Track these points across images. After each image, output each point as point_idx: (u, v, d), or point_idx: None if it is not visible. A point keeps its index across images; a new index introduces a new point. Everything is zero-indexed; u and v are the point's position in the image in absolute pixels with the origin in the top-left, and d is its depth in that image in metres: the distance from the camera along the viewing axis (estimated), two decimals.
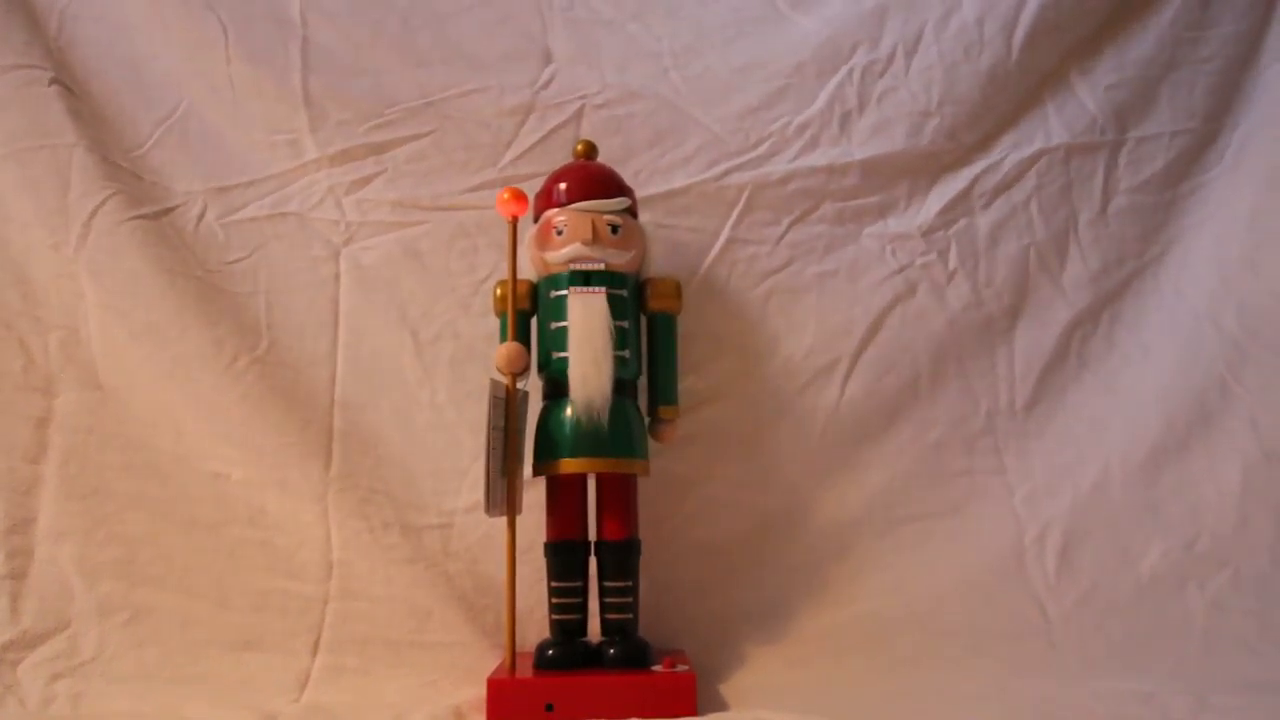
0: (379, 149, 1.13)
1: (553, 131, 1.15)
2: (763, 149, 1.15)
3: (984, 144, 1.17)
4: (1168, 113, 1.18)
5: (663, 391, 1.01)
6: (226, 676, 0.99)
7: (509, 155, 1.14)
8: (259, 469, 1.06)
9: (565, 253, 0.96)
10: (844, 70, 1.16)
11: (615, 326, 0.94)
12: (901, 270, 1.14)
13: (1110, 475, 1.11)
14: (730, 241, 1.14)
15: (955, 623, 1.06)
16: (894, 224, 1.15)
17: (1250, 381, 1.12)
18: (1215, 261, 1.15)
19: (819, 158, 1.15)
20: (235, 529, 1.05)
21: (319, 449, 1.07)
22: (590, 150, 1.04)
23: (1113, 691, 0.95)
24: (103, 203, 1.08)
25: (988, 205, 1.16)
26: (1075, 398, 1.14)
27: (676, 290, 1.01)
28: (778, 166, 1.15)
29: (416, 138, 1.14)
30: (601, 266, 0.96)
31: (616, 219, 0.98)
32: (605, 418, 0.93)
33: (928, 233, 1.15)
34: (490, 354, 1.01)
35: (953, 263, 1.15)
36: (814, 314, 1.13)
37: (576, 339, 0.94)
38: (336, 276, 1.12)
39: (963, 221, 1.16)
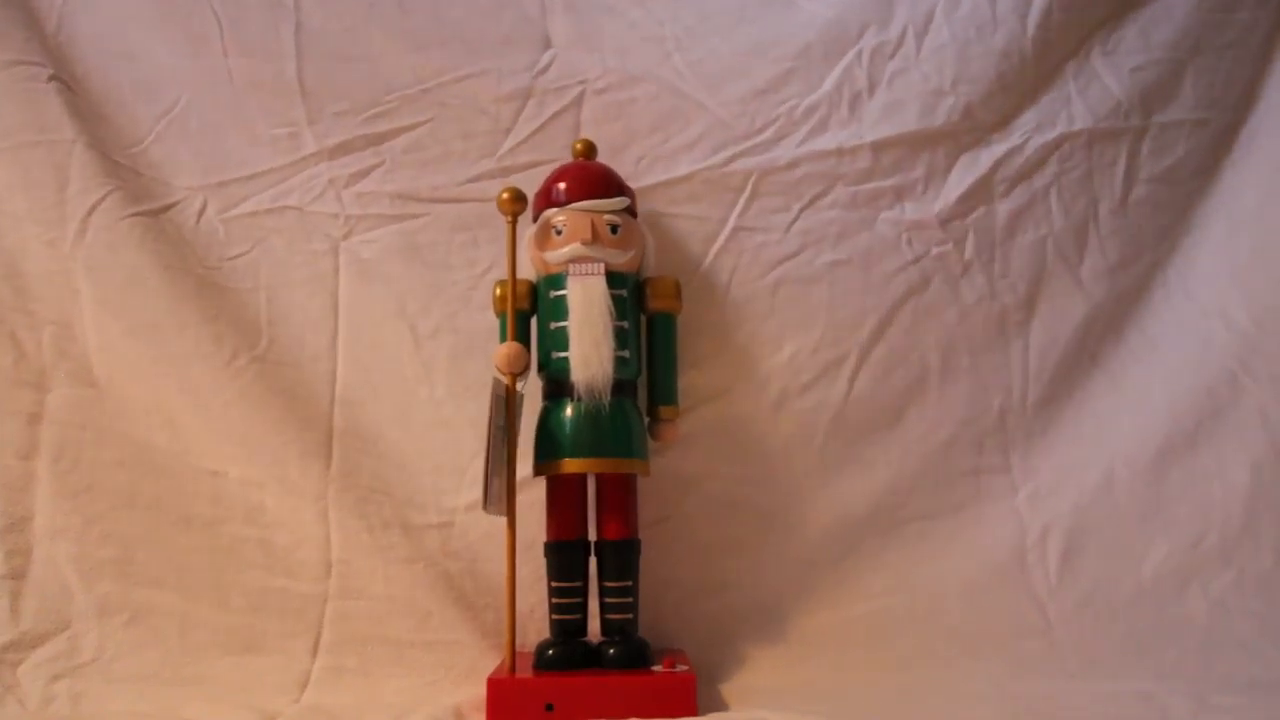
0: (377, 140, 1.12)
1: (552, 118, 1.13)
2: (769, 133, 1.13)
3: (1003, 123, 1.14)
4: (1191, 98, 1.15)
5: (662, 391, 1.00)
6: (226, 677, 0.99)
7: (508, 143, 1.13)
8: (257, 467, 1.05)
9: (564, 252, 0.96)
10: (852, 52, 1.14)
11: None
12: (917, 261, 1.12)
13: (1115, 474, 1.10)
14: (737, 230, 1.12)
15: (956, 623, 1.06)
16: (911, 209, 1.12)
17: (1261, 375, 1.11)
18: (1225, 256, 1.14)
19: (828, 141, 1.12)
20: (233, 527, 1.05)
21: (318, 447, 1.07)
22: (589, 149, 1.03)
23: (1113, 692, 0.95)
24: (101, 199, 1.07)
25: (1008, 193, 1.13)
26: (1083, 395, 1.13)
27: (676, 290, 1.01)
28: (785, 151, 1.12)
29: (414, 127, 1.12)
30: (601, 266, 0.95)
31: (616, 219, 0.97)
32: (607, 398, 0.93)
33: (946, 221, 1.12)
34: (489, 348, 1.00)
35: (969, 253, 1.13)
36: (824, 306, 1.11)
37: (577, 321, 0.93)
38: (336, 270, 1.11)
39: (981, 209, 1.13)
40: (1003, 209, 1.13)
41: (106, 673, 0.98)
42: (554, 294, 0.97)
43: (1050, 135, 1.14)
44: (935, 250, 1.12)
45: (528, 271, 1.00)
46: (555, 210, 0.98)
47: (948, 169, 1.14)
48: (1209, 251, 1.14)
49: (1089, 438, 1.12)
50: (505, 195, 0.94)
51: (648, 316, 1.01)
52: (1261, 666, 1.00)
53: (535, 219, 1.00)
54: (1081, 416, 1.12)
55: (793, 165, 1.12)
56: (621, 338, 0.95)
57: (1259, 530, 1.08)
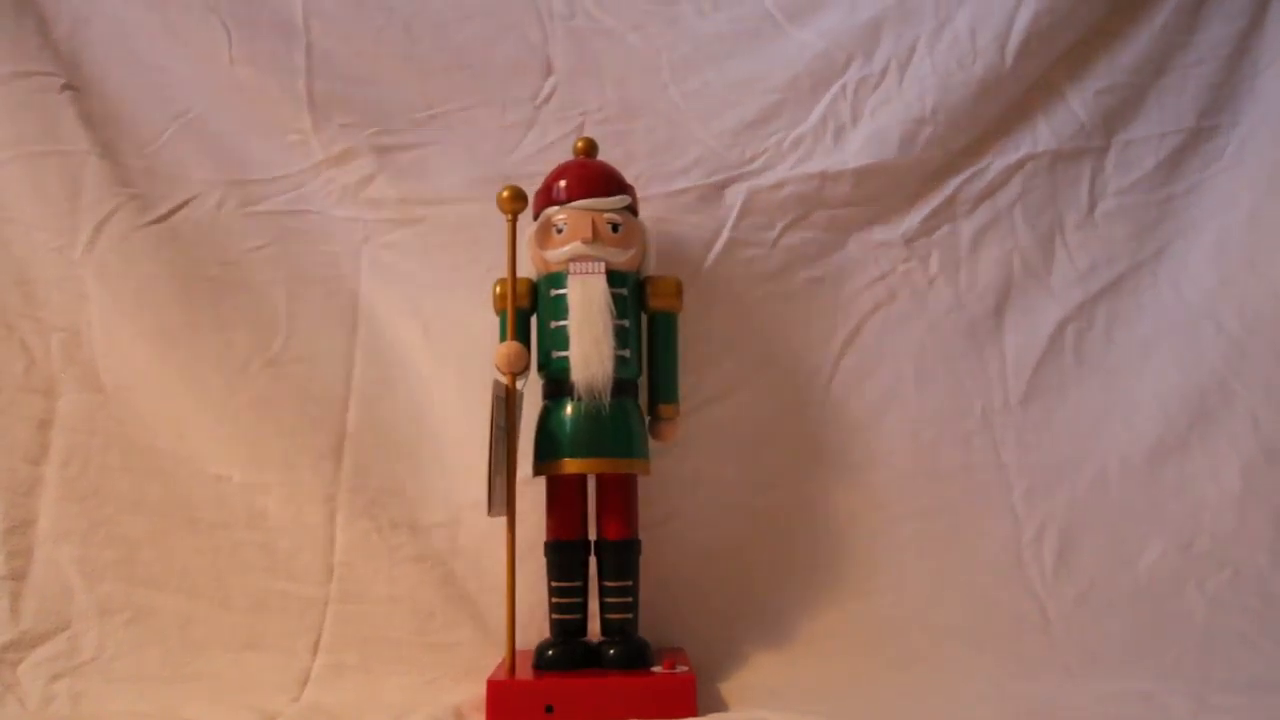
0: (382, 150, 1.14)
1: (554, 142, 1.15)
2: (758, 163, 1.16)
3: (973, 151, 1.17)
4: (1155, 117, 1.18)
5: (663, 390, 1.01)
6: (226, 676, 0.99)
7: (513, 159, 1.15)
8: (262, 471, 1.06)
9: (565, 251, 0.96)
10: (838, 85, 1.17)
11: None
12: (883, 277, 1.16)
13: (1109, 473, 1.11)
14: (730, 243, 1.14)
15: (954, 622, 1.06)
16: (879, 231, 1.16)
17: (1251, 380, 1.11)
18: (1215, 260, 1.15)
19: (813, 165, 1.15)
20: (237, 530, 1.05)
21: (330, 449, 1.08)
22: (590, 148, 1.04)
23: (1112, 691, 0.95)
24: (115, 209, 1.09)
25: (971, 212, 1.17)
26: (1074, 395, 1.13)
27: (677, 289, 1.01)
28: (773, 175, 1.16)
29: (420, 145, 1.15)
30: (601, 265, 0.95)
31: (617, 217, 0.98)
32: (607, 398, 0.93)
33: (911, 239, 1.16)
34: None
35: (934, 268, 1.16)
36: (801, 319, 1.14)
37: (577, 320, 0.93)
38: (351, 274, 1.13)
39: (945, 228, 1.17)
40: (967, 226, 1.17)
41: (106, 672, 0.98)
42: (554, 292, 0.97)
43: (1014, 157, 1.17)
44: (901, 267, 1.16)
45: (528, 270, 1.00)
46: (556, 209, 0.98)
47: (916, 194, 1.17)
48: (1200, 256, 1.15)
49: (1083, 436, 1.12)
50: (505, 194, 0.94)
51: (648, 315, 1.02)
52: (1261, 665, 1.00)
53: (536, 217, 1.00)
54: (1075, 416, 1.13)
55: (779, 185, 1.15)
56: (622, 337, 0.95)
57: (1252, 530, 1.08)
